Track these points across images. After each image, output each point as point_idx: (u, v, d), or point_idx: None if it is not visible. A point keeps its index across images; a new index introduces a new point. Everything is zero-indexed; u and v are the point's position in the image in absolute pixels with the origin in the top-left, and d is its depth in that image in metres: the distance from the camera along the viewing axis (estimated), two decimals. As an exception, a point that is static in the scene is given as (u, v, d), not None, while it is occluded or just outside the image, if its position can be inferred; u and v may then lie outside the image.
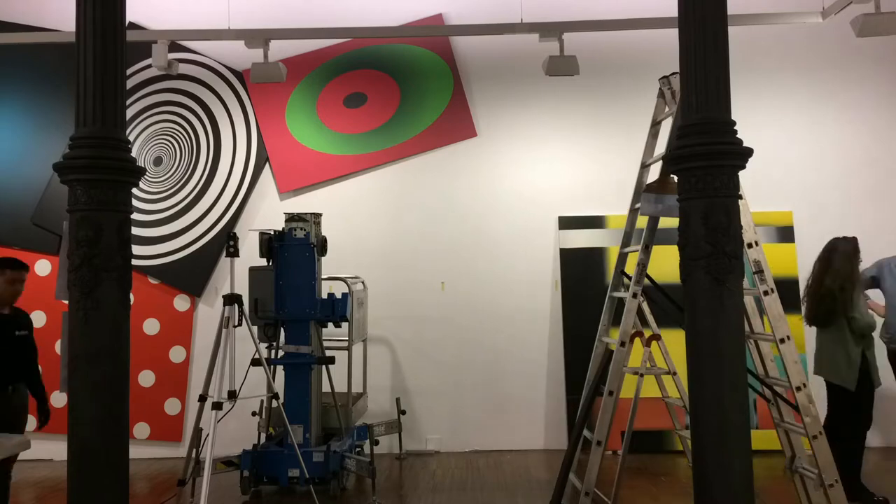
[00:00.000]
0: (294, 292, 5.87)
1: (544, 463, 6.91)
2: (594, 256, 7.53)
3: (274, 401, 5.74)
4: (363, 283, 7.09)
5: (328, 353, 6.21)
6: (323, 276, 6.26)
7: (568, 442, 5.08)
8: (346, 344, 6.49)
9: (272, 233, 5.90)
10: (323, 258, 6.20)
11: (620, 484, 5.01)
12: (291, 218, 6.01)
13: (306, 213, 6.00)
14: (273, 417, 6.13)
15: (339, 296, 6.09)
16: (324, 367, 6.03)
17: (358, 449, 6.49)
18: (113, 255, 4.16)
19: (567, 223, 7.63)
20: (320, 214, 6.19)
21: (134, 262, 4.71)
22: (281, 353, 6.00)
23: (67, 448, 4.15)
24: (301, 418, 5.84)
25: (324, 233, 6.30)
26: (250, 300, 5.84)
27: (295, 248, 5.94)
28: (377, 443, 6.61)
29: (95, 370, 4.09)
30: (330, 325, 6.24)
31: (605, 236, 7.55)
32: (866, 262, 7.49)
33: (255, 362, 5.55)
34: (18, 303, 5.34)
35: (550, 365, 7.51)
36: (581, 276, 7.49)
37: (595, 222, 7.61)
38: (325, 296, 6.15)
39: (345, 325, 6.27)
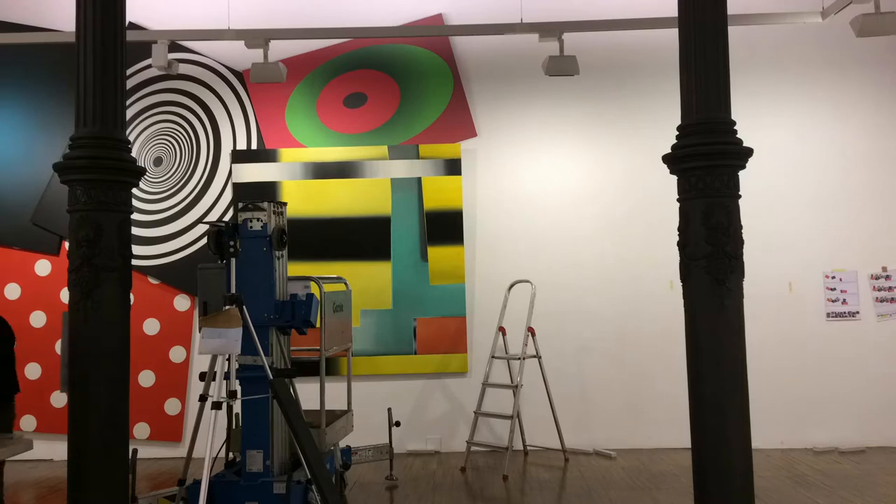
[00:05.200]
0: (250, 294, 4.91)
1: (545, 463, 6.91)
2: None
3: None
4: (346, 283, 6.38)
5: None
6: (290, 276, 5.45)
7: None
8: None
9: (223, 225, 4.99)
10: (283, 253, 5.32)
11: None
12: (246, 207, 5.13)
13: (263, 202, 5.16)
14: (238, 439, 5.25)
15: (303, 297, 5.24)
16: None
17: (343, 470, 5.87)
18: (113, 255, 4.17)
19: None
20: (284, 203, 5.39)
21: (134, 262, 4.71)
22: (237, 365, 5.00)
23: (67, 448, 4.15)
24: (260, 443, 5.04)
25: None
26: (199, 304, 5.25)
27: (250, 243, 5.06)
28: (347, 467, 5.89)
29: (96, 370, 4.10)
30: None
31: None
32: (869, 263, 7.53)
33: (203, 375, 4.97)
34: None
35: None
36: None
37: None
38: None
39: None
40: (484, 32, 7.31)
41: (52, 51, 7.63)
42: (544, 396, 6.94)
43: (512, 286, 7.21)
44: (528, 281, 7.11)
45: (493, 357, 7.01)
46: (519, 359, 6.82)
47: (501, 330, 7.12)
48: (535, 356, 6.98)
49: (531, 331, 6.98)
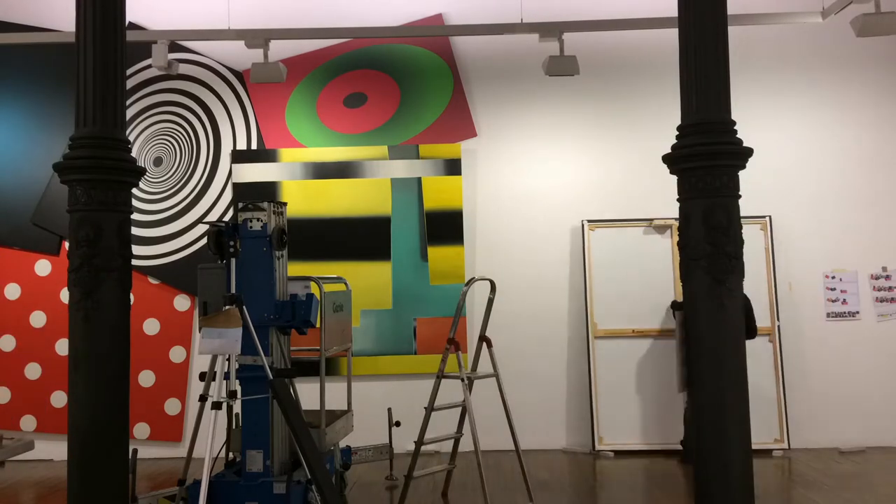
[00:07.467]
0: (249, 294, 4.90)
1: (545, 463, 6.91)
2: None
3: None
4: (346, 283, 6.32)
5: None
6: (290, 276, 5.41)
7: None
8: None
9: (223, 225, 4.99)
10: (283, 253, 5.28)
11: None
12: (246, 207, 5.12)
13: (263, 202, 5.14)
14: (238, 439, 5.27)
15: (303, 297, 5.23)
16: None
17: (343, 470, 5.84)
18: (113, 255, 4.17)
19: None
20: (284, 203, 5.37)
21: (134, 262, 4.71)
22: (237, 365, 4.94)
23: (67, 448, 4.16)
24: (260, 443, 5.04)
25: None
26: (199, 304, 5.23)
27: (250, 243, 5.04)
28: (347, 467, 5.83)
29: (95, 370, 4.10)
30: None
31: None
32: (869, 263, 7.53)
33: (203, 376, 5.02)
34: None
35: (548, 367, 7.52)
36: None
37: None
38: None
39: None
40: (484, 32, 7.31)
41: (52, 51, 7.63)
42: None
43: (494, 288, 6.24)
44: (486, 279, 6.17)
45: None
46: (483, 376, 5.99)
47: (486, 341, 5.98)
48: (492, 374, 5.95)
49: (486, 340, 6.00)
